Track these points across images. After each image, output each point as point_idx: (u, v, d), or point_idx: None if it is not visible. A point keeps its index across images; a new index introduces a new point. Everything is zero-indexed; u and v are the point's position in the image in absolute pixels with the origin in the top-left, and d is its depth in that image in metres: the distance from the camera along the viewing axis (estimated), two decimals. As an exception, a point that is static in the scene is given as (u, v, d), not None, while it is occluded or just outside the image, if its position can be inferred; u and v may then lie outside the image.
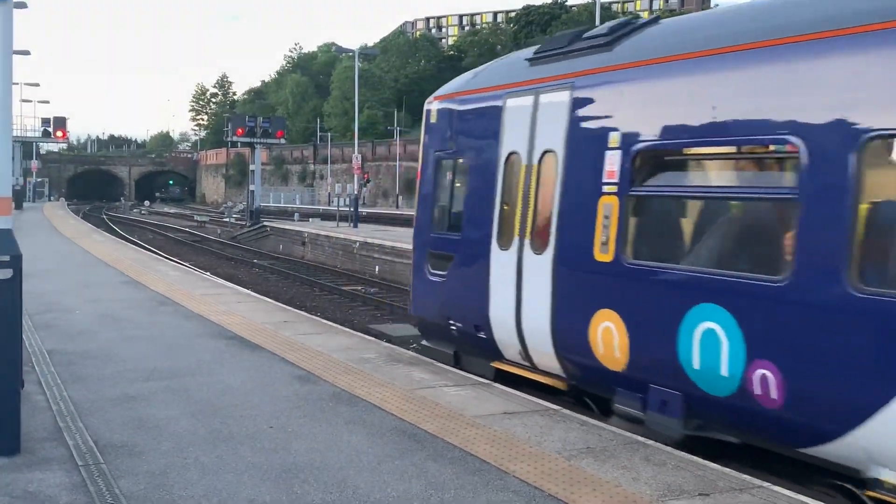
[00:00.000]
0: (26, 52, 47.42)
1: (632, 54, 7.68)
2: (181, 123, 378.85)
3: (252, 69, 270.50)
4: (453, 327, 9.86)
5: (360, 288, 24.19)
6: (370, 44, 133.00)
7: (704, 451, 6.73)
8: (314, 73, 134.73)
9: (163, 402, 7.79)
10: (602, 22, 41.11)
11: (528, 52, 9.49)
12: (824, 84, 5.95)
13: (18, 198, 54.35)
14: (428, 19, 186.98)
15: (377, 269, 28.22)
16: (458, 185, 10.18)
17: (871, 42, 5.64)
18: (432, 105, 10.77)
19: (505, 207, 9.03)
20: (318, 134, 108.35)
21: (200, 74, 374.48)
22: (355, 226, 39.51)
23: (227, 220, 58.03)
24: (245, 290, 17.53)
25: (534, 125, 8.61)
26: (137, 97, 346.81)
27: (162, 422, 7.15)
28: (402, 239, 29.90)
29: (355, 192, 43.80)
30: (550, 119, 8.36)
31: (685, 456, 6.54)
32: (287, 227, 41.64)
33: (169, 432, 6.86)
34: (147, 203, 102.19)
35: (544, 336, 8.27)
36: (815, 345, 5.83)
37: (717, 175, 7.23)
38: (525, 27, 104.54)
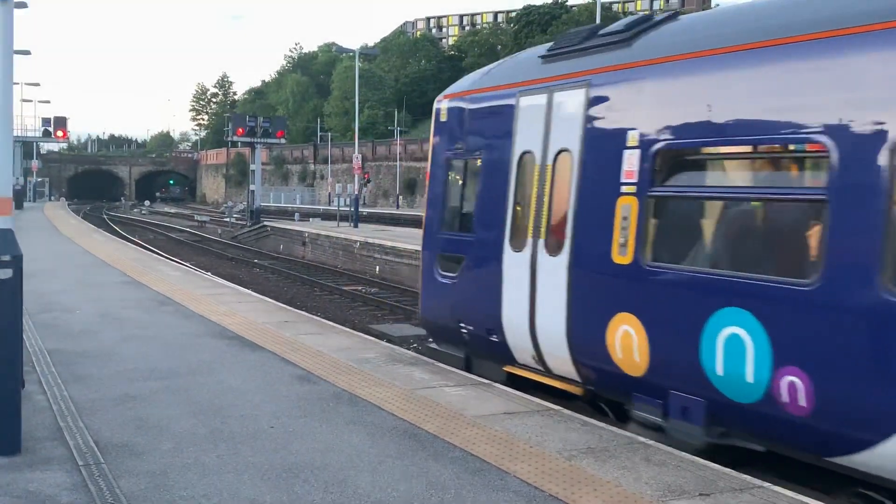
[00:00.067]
0: (27, 52, 47.45)
1: (652, 51, 7.47)
2: (181, 123, 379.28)
3: (252, 69, 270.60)
4: (464, 330, 9.63)
5: (360, 288, 24.18)
6: (370, 44, 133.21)
7: (704, 453, 6.73)
8: (314, 72, 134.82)
9: (163, 402, 7.79)
10: (603, 21, 41.16)
11: (542, 49, 9.28)
12: (856, 81, 5.75)
13: (19, 198, 54.39)
14: (428, 19, 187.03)
15: (378, 270, 28.22)
16: (468, 185, 9.94)
17: None
18: (442, 104, 10.54)
19: (518, 208, 8.84)
20: (319, 134, 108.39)
21: (201, 74, 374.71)
22: (356, 226, 39.51)
23: (227, 219, 58.02)
24: (246, 290, 17.53)
25: (548, 124, 8.41)
26: (138, 97, 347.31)
27: (162, 421, 7.15)
28: (403, 239, 29.93)
29: (356, 192, 43.79)
30: (566, 118, 8.18)
31: (686, 456, 6.54)
32: (287, 226, 41.64)
33: (169, 432, 6.86)
34: (147, 203, 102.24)
35: (559, 340, 8.06)
36: (846, 350, 5.63)
37: (742, 175, 6.97)
38: (525, 27, 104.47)
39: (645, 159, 7.18)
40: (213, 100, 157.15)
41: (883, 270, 5.43)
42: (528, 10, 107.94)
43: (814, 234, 6.00)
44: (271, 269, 29.43)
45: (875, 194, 5.51)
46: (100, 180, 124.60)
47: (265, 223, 45.31)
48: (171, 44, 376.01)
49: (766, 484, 5.92)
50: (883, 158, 5.47)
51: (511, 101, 9.03)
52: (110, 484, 5.66)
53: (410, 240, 29.16)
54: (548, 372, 8.53)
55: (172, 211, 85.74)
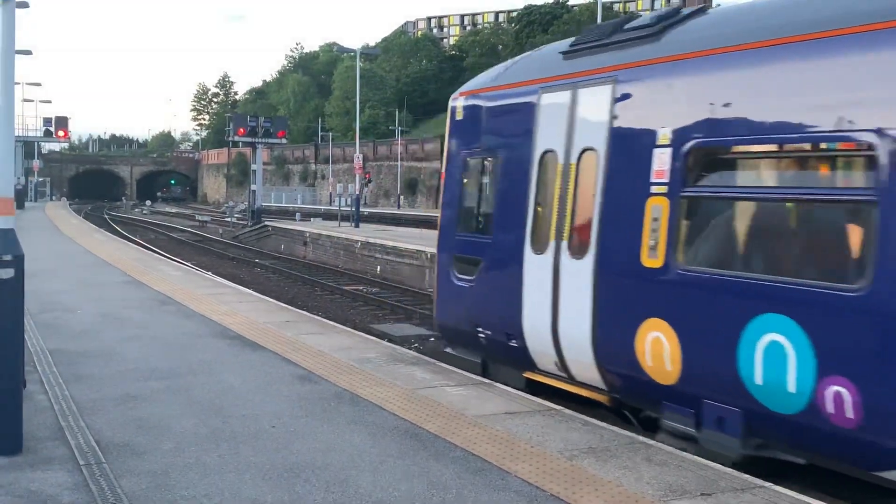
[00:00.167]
0: (28, 52, 47.38)
1: (683, 45, 7.17)
2: (183, 123, 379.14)
3: (254, 69, 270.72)
4: (481, 335, 9.33)
5: (361, 288, 24.17)
6: (372, 43, 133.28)
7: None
8: (315, 72, 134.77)
9: (164, 402, 7.80)
10: (603, 21, 41.08)
11: (563, 45, 9.00)
12: None
13: (20, 197, 54.38)
14: (429, 19, 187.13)
15: (379, 269, 28.21)
16: (486, 185, 9.63)
17: None
18: (458, 101, 10.23)
19: (539, 209, 8.54)
20: (320, 133, 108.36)
21: (202, 74, 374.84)
22: (357, 225, 39.50)
23: (228, 219, 58.02)
24: (247, 290, 17.54)
25: (572, 122, 8.13)
26: (139, 97, 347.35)
27: (164, 421, 7.16)
28: (404, 239, 29.93)
29: (357, 192, 43.78)
30: (591, 115, 7.91)
31: (687, 456, 6.54)
32: (288, 226, 41.64)
33: (171, 432, 6.87)
34: (148, 203, 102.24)
35: (584, 346, 7.77)
36: None
37: (783, 175, 6.58)
38: (527, 27, 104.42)
39: (677, 158, 6.88)
40: (215, 100, 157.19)
41: None
42: (529, 10, 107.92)
43: (862, 237, 5.74)
44: (272, 269, 29.43)
45: None
46: (101, 180, 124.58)
47: (266, 223, 45.31)
48: (173, 44, 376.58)
49: (768, 484, 5.92)
50: None
51: (531, 99, 8.75)
52: (111, 483, 5.67)
53: (411, 240, 29.17)
54: (571, 379, 8.26)
55: (173, 211, 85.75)
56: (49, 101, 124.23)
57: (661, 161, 7.02)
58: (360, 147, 48.60)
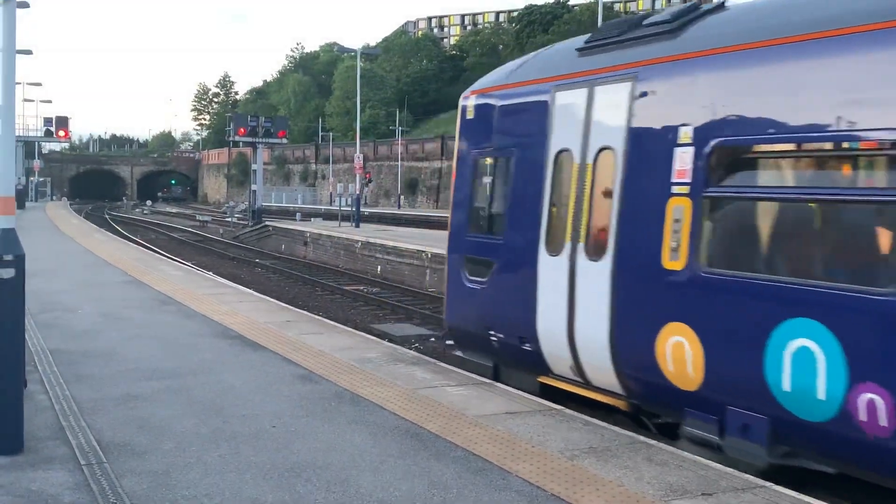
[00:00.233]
0: (29, 52, 47.46)
1: (706, 42, 6.97)
2: (183, 123, 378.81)
3: (254, 69, 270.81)
4: (493, 338, 9.10)
5: (362, 288, 24.18)
6: (372, 43, 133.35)
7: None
8: (316, 72, 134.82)
9: (165, 402, 7.80)
10: (605, 21, 41.03)
11: (578, 41, 8.79)
12: None
13: (21, 197, 54.41)
14: (430, 19, 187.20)
15: (379, 269, 28.21)
16: (498, 185, 9.37)
17: None
18: (469, 100, 9.98)
19: (553, 209, 8.32)
20: (320, 133, 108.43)
21: (202, 74, 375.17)
22: (357, 225, 39.50)
23: (229, 219, 58.04)
24: (247, 290, 17.54)
25: (588, 120, 7.91)
26: (139, 97, 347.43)
27: (164, 421, 7.16)
28: (404, 239, 29.93)
29: (357, 192, 43.78)
30: (608, 113, 7.70)
31: (688, 456, 6.54)
32: (289, 226, 41.65)
33: (171, 432, 6.87)
34: (149, 203, 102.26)
35: (602, 350, 7.55)
36: None
37: (812, 175, 6.32)
38: (527, 27, 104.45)
39: (699, 157, 6.67)
40: (215, 100, 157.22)
41: None
42: (529, 10, 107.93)
43: (894, 239, 5.55)
44: (273, 269, 29.43)
45: None
46: (101, 180, 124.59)
47: (267, 223, 45.31)
48: (173, 43, 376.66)
49: (769, 484, 5.92)
50: None
51: (545, 97, 8.54)
52: (112, 483, 5.67)
53: (412, 240, 29.18)
54: (587, 384, 8.05)
55: (174, 211, 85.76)
56: (50, 101, 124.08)
57: (683, 160, 6.82)
58: (360, 147, 48.59)
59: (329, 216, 53.67)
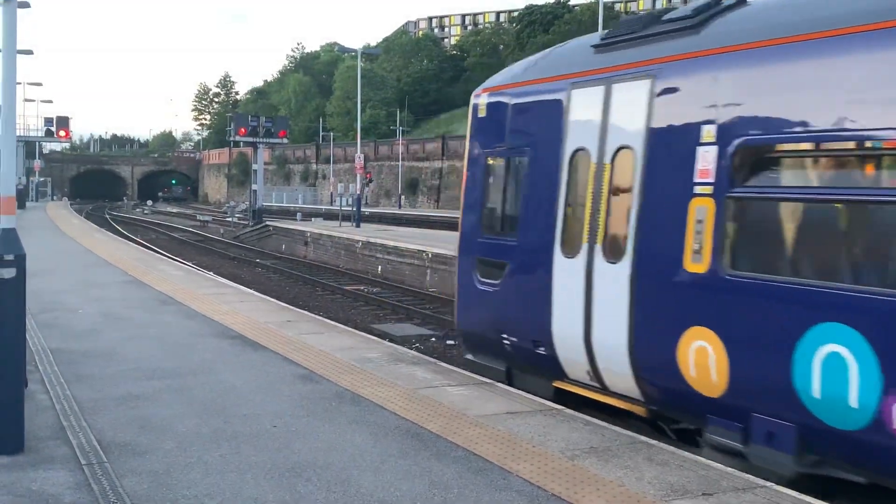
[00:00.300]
0: (29, 52, 47.48)
1: (730, 38, 6.75)
2: (184, 123, 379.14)
3: (255, 69, 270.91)
4: (506, 342, 8.90)
5: (362, 288, 24.18)
6: (373, 43, 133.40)
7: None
8: (316, 72, 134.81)
9: (166, 402, 7.80)
10: (605, 21, 40.97)
11: (593, 38, 8.61)
12: None
13: (21, 197, 54.41)
14: (430, 19, 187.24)
15: (380, 269, 28.22)
16: (512, 185, 9.15)
17: None
18: (480, 98, 9.76)
19: (569, 210, 8.12)
20: (321, 133, 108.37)
21: (203, 74, 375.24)
22: (358, 225, 39.50)
23: (229, 219, 58.06)
24: (248, 290, 17.54)
25: (605, 119, 7.72)
26: (140, 96, 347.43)
27: (165, 421, 7.16)
28: (405, 239, 29.93)
29: (357, 192, 43.78)
30: (626, 111, 7.50)
31: (688, 456, 6.54)
32: (290, 226, 41.65)
33: (172, 431, 6.87)
34: (150, 203, 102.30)
35: (620, 355, 7.35)
36: None
37: (844, 174, 6.06)
38: (528, 27, 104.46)
39: (723, 157, 6.48)
40: (216, 100, 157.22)
41: None
42: (530, 10, 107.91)
43: None
44: (273, 269, 29.43)
45: None
46: (102, 180, 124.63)
47: (267, 223, 45.31)
48: (174, 43, 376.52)
49: (769, 484, 5.92)
50: None
51: (561, 95, 8.36)
52: (113, 483, 5.67)
53: (413, 239, 29.18)
54: (604, 389, 7.87)
55: (175, 211, 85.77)
56: (50, 101, 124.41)
57: (706, 160, 6.63)
58: (361, 147, 48.59)
59: (330, 216, 53.67)
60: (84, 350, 10.15)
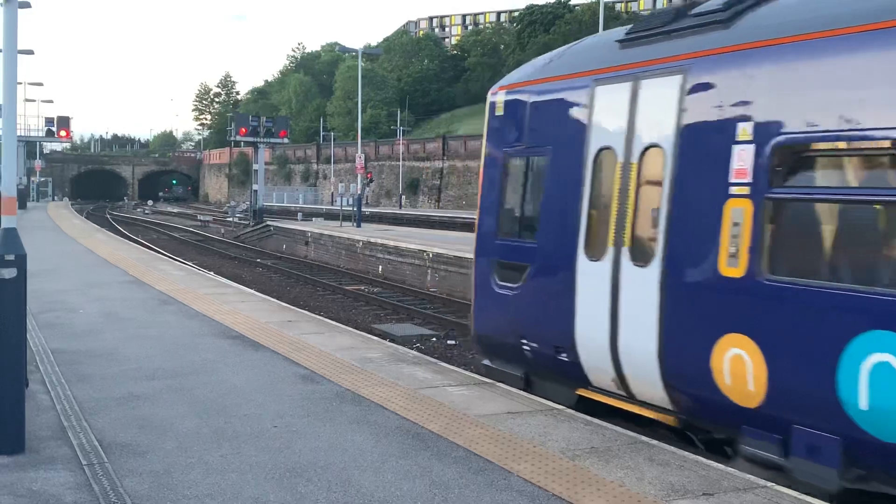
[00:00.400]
0: (30, 52, 47.46)
1: (767, 31, 6.43)
2: (185, 123, 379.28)
3: (255, 69, 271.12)
4: (526, 347, 8.58)
5: (363, 288, 24.18)
6: (373, 43, 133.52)
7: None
8: (317, 72, 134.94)
9: (167, 402, 7.80)
10: (606, 23, 40.93)
11: (617, 33, 8.29)
12: None
13: (22, 198, 54.41)
14: (431, 19, 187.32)
15: (380, 269, 28.22)
16: (532, 185, 8.86)
17: None
18: (498, 96, 9.45)
19: (593, 211, 7.82)
20: (322, 133, 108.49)
21: (204, 74, 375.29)
22: (358, 225, 39.51)
23: (230, 219, 58.07)
24: (248, 290, 17.54)
25: (632, 116, 7.42)
26: (141, 96, 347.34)
27: (166, 421, 7.16)
28: (406, 239, 29.93)
29: (358, 192, 43.79)
30: (655, 109, 7.20)
31: (689, 456, 6.54)
32: (290, 226, 41.66)
33: (173, 432, 6.87)
34: (150, 202, 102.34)
35: (649, 362, 7.05)
36: None
37: (891, 174, 5.73)
38: (528, 27, 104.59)
39: (761, 155, 6.18)
40: (216, 99, 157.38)
41: None
42: (530, 10, 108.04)
43: None
44: (274, 269, 29.44)
45: None
46: (103, 180, 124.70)
47: (268, 223, 45.34)
48: (174, 43, 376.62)
49: (770, 484, 5.92)
50: None
51: (584, 92, 8.05)
52: (114, 483, 5.67)
53: (413, 239, 29.17)
54: (630, 397, 7.57)
55: (175, 211, 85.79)
56: (51, 101, 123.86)
57: (742, 159, 6.32)
58: (361, 147, 48.60)
59: (330, 216, 53.71)
60: (85, 350, 10.16)
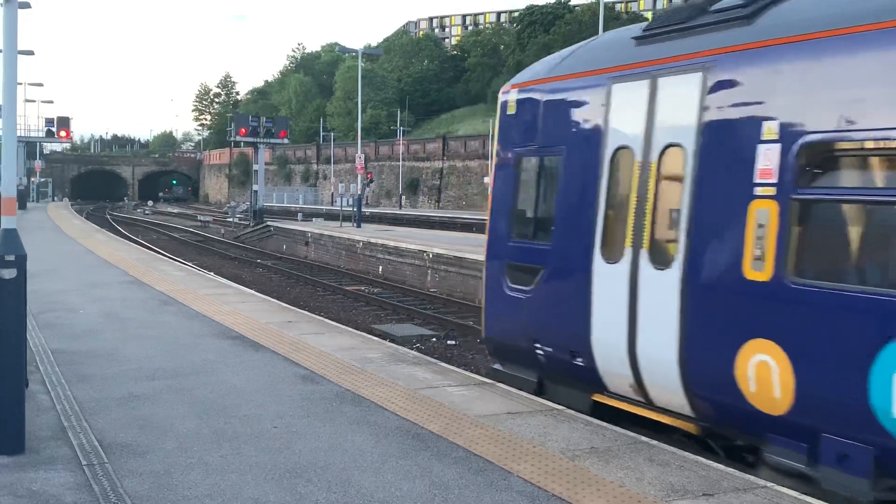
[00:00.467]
0: (30, 52, 47.48)
1: (793, 27, 6.25)
2: (184, 123, 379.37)
3: (255, 69, 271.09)
4: (539, 352, 8.41)
5: (363, 288, 24.19)
6: (373, 44, 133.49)
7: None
8: (317, 72, 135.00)
9: (167, 402, 7.80)
10: (606, 23, 40.88)
11: (634, 29, 8.15)
12: None
13: (22, 198, 54.43)
14: (431, 19, 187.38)
15: (381, 270, 28.22)
16: (545, 185, 8.69)
17: None
18: (510, 94, 9.25)
19: (610, 212, 7.64)
20: (322, 134, 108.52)
21: (204, 74, 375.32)
22: (358, 225, 39.51)
23: (230, 220, 58.08)
24: (249, 290, 17.54)
25: (651, 115, 7.25)
26: (141, 97, 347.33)
27: (166, 421, 7.16)
28: (406, 239, 29.93)
29: (358, 192, 43.79)
30: (675, 107, 7.04)
31: (689, 456, 6.54)
32: (290, 226, 41.66)
33: (173, 432, 6.87)
34: (150, 203, 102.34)
35: (669, 368, 6.86)
36: None
37: None
38: (528, 27, 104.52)
39: (788, 155, 5.99)
40: (216, 100, 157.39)
41: None
42: (531, 10, 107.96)
43: None
44: (274, 269, 29.45)
45: None
46: (103, 180, 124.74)
47: (268, 223, 45.34)
48: (174, 44, 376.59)
49: (770, 484, 5.92)
50: None
51: (600, 90, 7.86)
52: (114, 484, 5.67)
53: (413, 240, 29.17)
54: (649, 404, 7.39)
55: (175, 211, 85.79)
56: (51, 102, 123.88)
57: (768, 158, 6.13)
58: (361, 147, 48.61)
59: (330, 216, 53.71)
60: (85, 350, 10.16)
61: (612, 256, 7.52)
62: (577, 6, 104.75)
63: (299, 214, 56.08)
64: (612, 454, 6.50)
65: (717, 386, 6.50)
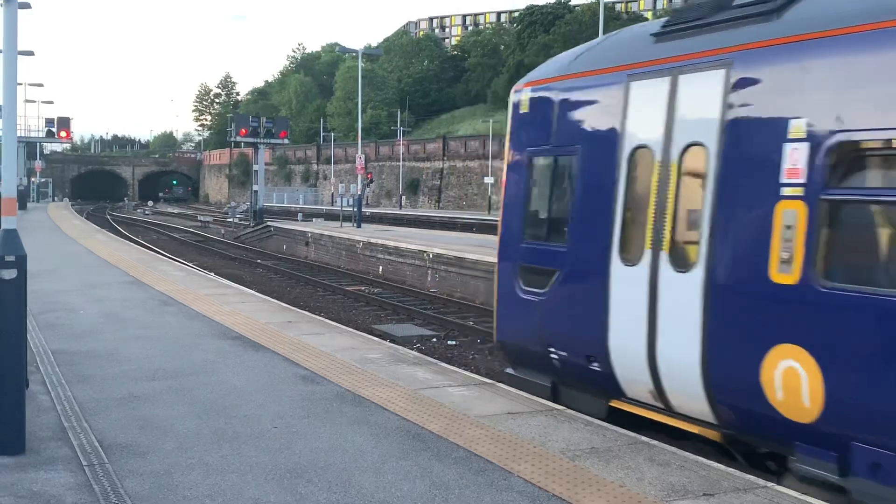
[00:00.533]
0: (30, 53, 47.43)
1: (821, 22, 6.04)
2: (185, 123, 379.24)
3: (256, 69, 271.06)
4: (554, 356, 8.20)
5: (363, 288, 24.18)
6: (373, 44, 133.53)
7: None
8: (317, 73, 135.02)
9: (167, 402, 7.80)
10: (606, 23, 40.80)
11: (652, 26, 7.96)
12: None
13: (22, 198, 54.41)
14: (431, 19, 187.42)
15: (381, 270, 28.22)
16: (560, 186, 8.50)
17: None
18: (522, 93, 9.05)
19: (628, 213, 7.44)
20: (322, 134, 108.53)
21: (204, 74, 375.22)
22: (359, 226, 39.51)
23: (230, 220, 58.07)
24: (249, 290, 17.54)
25: (671, 113, 7.05)
26: (141, 97, 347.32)
27: (166, 422, 7.16)
28: (406, 239, 29.93)
29: (358, 192, 43.80)
30: (697, 105, 6.85)
31: (689, 456, 6.54)
32: (291, 227, 41.66)
33: (173, 432, 6.87)
34: (151, 203, 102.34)
35: (691, 374, 6.66)
36: None
37: None
38: (528, 27, 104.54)
39: (817, 154, 5.79)
40: (217, 100, 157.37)
41: None
42: (531, 10, 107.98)
43: None
44: (274, 270, 29.44)
45: None
46: (103, 181, 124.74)
47: (268, 223, 45.32)
48: (175, 44, 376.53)
49: (770, 484, 5.93)
50: None
51: (617, 88, 7.68)
52: (114, 484, 5.67)
53: (413, 240, 29.17)
54: (669, 410, 7.20)
55: (175, 211, 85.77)
56: (51, 102, 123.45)
57: (795, 158, 5.93)
58: (361, 147, 48.60)
59: (331, 216, 53.71)
60: (85, 351, 10.16)
61: (630, 258, 7.33)
62: (578, 6, 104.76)
63: (299, 215, 56.07)
64: (612, 454, 6.50)
65: (742, 392, 6.32)
